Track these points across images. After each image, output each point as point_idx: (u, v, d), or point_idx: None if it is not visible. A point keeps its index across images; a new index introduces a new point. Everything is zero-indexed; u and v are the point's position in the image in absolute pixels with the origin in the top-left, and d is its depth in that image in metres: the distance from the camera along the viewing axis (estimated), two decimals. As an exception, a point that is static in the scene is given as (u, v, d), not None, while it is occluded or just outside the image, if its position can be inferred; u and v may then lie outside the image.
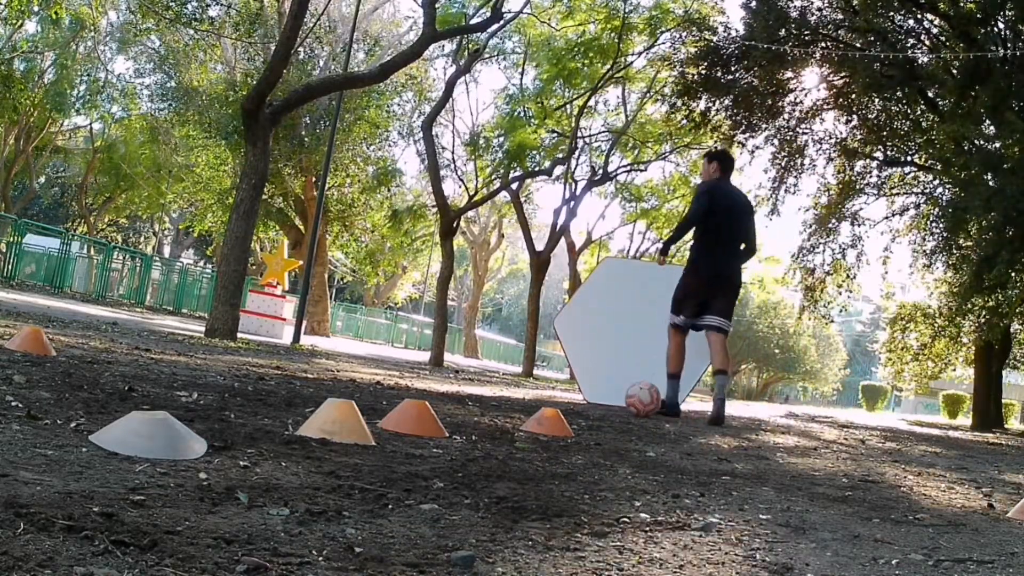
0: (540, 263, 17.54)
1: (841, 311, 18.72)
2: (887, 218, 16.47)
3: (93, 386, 2.97)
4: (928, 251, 15.16)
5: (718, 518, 2.02)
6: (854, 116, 14.80)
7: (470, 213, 27.28)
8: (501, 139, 18.21)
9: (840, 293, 16.34)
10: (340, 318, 35.12)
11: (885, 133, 14.68)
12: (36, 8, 20.05)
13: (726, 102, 14.41)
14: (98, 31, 27.27)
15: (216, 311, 9.21)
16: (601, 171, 19.28)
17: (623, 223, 25.52)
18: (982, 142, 12.27)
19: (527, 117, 18.15)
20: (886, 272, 21.11)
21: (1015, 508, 2.63)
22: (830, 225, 15.77)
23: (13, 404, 2.31)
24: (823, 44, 13.49)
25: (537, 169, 18.24)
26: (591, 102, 18.47)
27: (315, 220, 14.19)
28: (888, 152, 15.27)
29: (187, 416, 2.49)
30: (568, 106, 18.66)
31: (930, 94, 13.31)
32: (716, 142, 15.79)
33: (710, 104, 14.59)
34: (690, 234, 6.31)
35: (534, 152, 18.05)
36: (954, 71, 11.96)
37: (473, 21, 14.26)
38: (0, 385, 2.64)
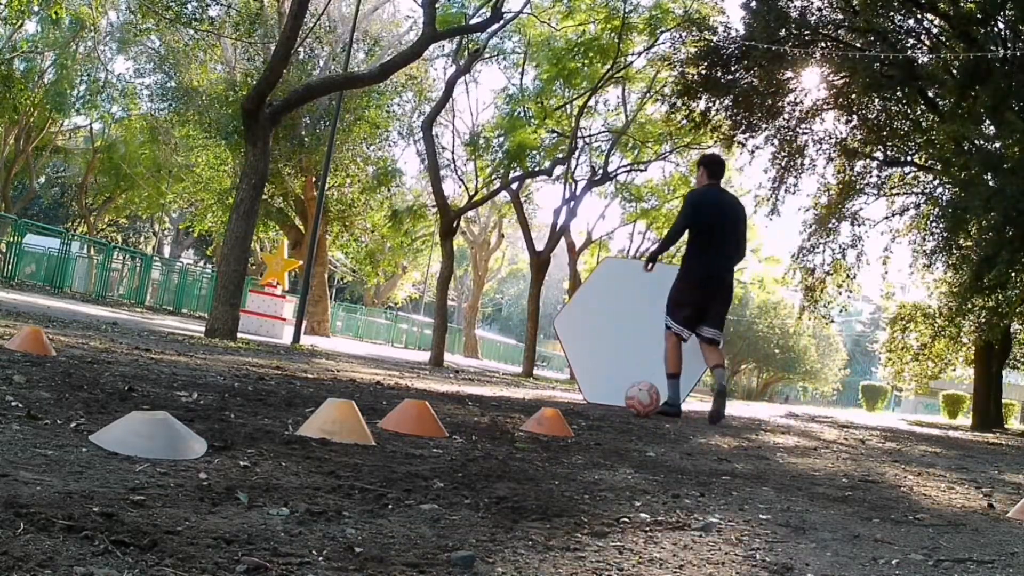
0: (540, 263, 17.54)
1: (841, 311, 18.73)
2: (887, 218, 16.49)
3: (93, 386, 2.97)
4: (928, 251, 15.17)
5: (718, 518, 2.02)
6: (854, 116, 14.80)
7: (470, 213, 27.29)
8: (501, 139, 18.22)
9: (840, 293, 16.35)
10: (340, 318, 35.13)
11: (885, 133, 14.68)
12: (36, 8, 20.06)
13: (726, 102, 14.42)
14: (98, 31, 27.28)
15: (216, 311, 9.22)
16: (601, 171, 19.28)
17: (623, 223, 25.58)
18: (982, 142, 12.27)
19: (527, 117, 18.16)
20: (886, 272, 21.15)
21: (1015, 508, 2.63)
22: (830, 225, 15.77)
23: (13, 404, 2.31)
24: (823, 44, 13.49)
25: (537, 169, 18.25)
26: (591, 102, 18.48)
27: (315, 220, 14.19)
28: (888, 152, 15.28)
29: (187, 416, 2.49)
30: (568, 106, 18.66)
31: (930, 94, 13.31)
32: (716, 142, 15.81)
33: (710, 104, 14.60)
34: (683, 239, 6.35)
35: (534, 152, 18.06)
36: (954, 71, 11.96)
37: (473, 21, 14.26)
38: (0, 385, 2.64)
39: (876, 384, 43.20)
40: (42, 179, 36.28)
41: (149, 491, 1.56)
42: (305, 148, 20.57)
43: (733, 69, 13.96)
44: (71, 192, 37.74)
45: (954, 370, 20.33)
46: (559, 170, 18.23)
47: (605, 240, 26.69)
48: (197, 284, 25.03)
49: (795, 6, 13.45)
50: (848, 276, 16.02)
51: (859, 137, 15.04)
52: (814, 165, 15.51)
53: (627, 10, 16.15)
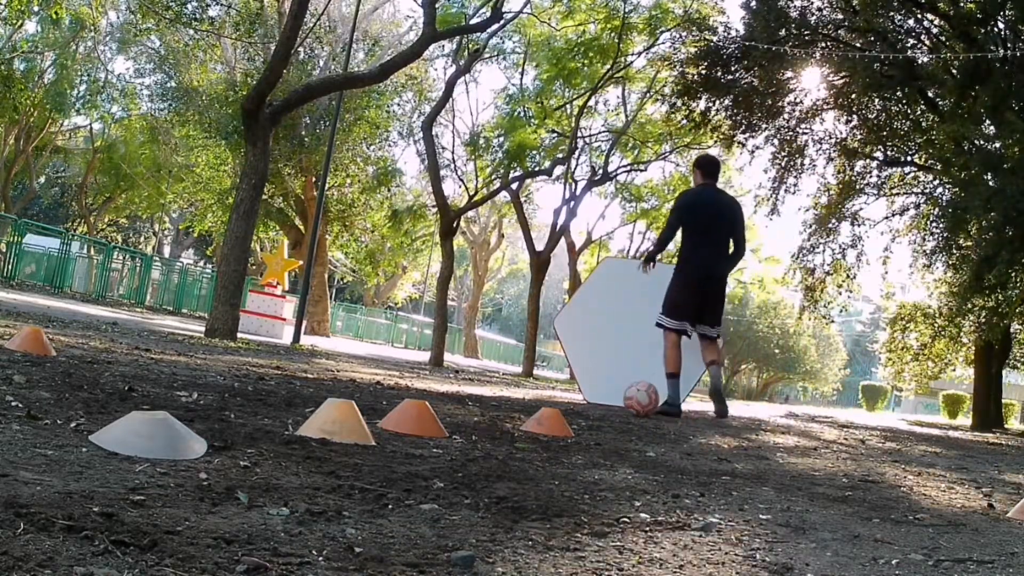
0: (540, 263, 17.54)
1: (841, 311, 18.72)
2: (887, 218, 16.48)
3: (93, 386, 2.97)
4: (928, 251, 15.16)
5: (718, 518, 2.02)
6: (854, 116, 14.80)
7: (470, 213, 27.28)
8: (501, 139, 18.22)
9: (840, 293, 16.34)
10: (340, 318, 35.13)
11: (885, 133, 14.67)
12: (36, 8, 20.07)
13: (726, 102, 14.41)
14: (98, 31, 27.28)
15: (216, 311, 9.22)
16: (601, 171, 19.28)
17: (623, 223, 25.58)
18: (982, 142, 12.27)
19: (527, 117, 18.16)
20: (886, 272, 21.10)
21: (1015, 508, 2.63)
22: (830, 225, 15.77)
23: (13, 404, 2.31)
24: (823, 44, 13.48)
25: (537, 169, 18.25)
26: (591, 102, 18.48)
27: (315, 220, 14.20)
28: (888, 152, 15.27)
29: (187, 416, 2.49)
30: (568, 106, 18.66)
31: (930, 94, 13.30)
32: (716, 142, 15.81)
33: (710, 104, 14.59)
34: (679, 238, 6.39)
35: (534, 152, 18.06)
36: (954, 71, 11.95)
37: (473, 21, 14.26)
38: (0, 385, 2.64)
39: (876, 384, 43.20)
40: (42, 179, 36.29)
41: (149, 491, 1.56)
42: (305, 148, 20.58)
43: (733, 69, 13.96)
44: (71, 192, 37.75)
45: (954, 370, 20.33)
46: (559, 170, 18.23)
47: (605, 240, 26.70)
48: (197, 284, 25.04)
49: (795, 6, 13.44)
50: (848, 276, 16.01)
51: (859, 137, 15.03)
52: (814, 165, 15.53)
53: (627, 10, 16.15)
